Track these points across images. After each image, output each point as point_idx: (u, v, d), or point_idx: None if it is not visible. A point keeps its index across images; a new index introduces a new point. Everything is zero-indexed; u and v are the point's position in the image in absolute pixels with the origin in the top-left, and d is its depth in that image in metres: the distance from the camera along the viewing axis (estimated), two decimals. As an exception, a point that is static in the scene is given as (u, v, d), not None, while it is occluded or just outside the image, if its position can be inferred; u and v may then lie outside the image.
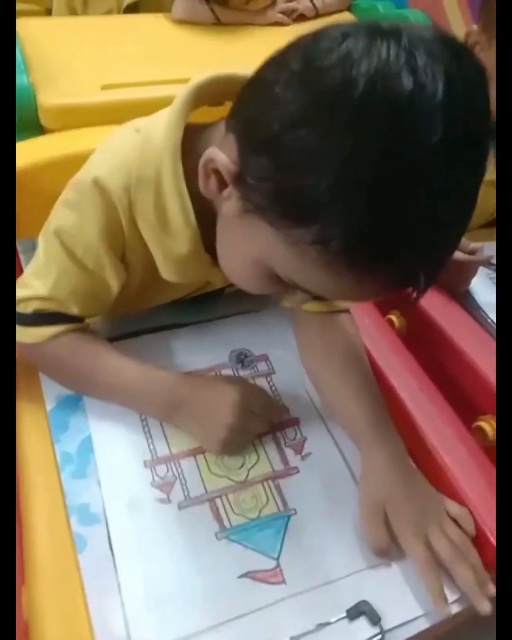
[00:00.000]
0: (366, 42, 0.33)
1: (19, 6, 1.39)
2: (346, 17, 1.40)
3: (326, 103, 0.33)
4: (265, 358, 0.63)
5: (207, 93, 0.49)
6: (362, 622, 0.44)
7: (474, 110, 0.34)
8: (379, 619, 0.44)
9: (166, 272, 0.53)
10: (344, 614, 0.44)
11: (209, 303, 0.66)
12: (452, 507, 0.50)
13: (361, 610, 0.44)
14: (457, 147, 0.33)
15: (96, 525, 0.48)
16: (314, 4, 1.29)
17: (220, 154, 0.40)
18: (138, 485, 0.51)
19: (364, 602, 0.45)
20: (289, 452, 0.55)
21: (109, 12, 1.26)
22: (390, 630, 0.44)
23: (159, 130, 0.47)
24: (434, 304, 0.72)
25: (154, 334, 0.63)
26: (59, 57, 1.00)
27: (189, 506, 0.50)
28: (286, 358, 0.63)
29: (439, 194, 0.34)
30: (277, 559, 0.47)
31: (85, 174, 0.50)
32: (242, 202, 0.39)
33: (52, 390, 0.57)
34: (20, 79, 0.91)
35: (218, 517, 0.49)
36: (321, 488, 0.52)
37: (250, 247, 0.42)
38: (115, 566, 0.45)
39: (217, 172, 0.41)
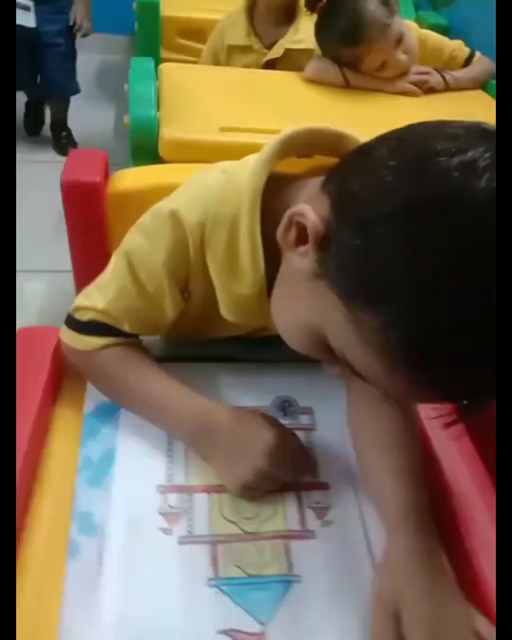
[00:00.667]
0: (485, 151, 0.32)
1: (175, 56, 1.54)
2: (480, 95, 1.40)
3: (440, 205, 0.32)
4: (309, 411, 0.60)
5: (298, 144, 0.50)
6: None
7: None
8: None
9: (226, 310, 0.53)
10: None
11: (267, 344, 0.65)
12: (482, 623, 0.43)
13: None
14: None
15: (93, 536, 0.47)
16: (445, 79, 1.32)
17: (313, 212, 0.39)
18: (145, 508, 0.49)
19: None
20: (309, 515, 0.51)
21: (247, 66, 1.35)
22: None
23: (244, 172, 0.49)
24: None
25: (202, 363, 0.63)
26: (189, 99, 1.08)
27: (189, 544, 0.47)
28: (331, 417, 0.59)
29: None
30: (265, 625, 0.43)
31: (165, 204, 0.52)
32: (317, 266, 0.39)
33: (94, 394, 0.58)
34: (149, 112, 1.00)
35: (215, 564, 0.46)
36: (334, 561, 0.48)
37: (310, 311, 0.41)
38: (99, 583, 0.43)
39: (301, 227, 0.40)
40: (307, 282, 0.40)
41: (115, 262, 0.54)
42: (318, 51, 1.29)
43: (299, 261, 0.41)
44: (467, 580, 0.47)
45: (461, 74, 1.38)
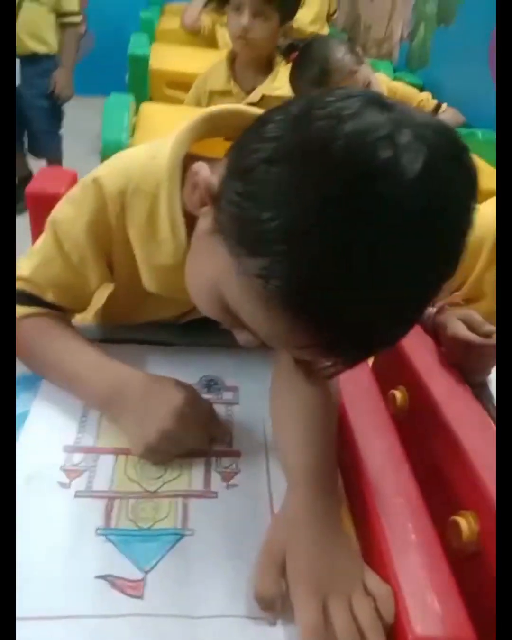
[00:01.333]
0: (360, 106, 0.34)
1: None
2: None
3: (305, 150, 0.34)
4: (234, 389, 0.60)
5: (220, 125, 0.52)
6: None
7: (445, 206, 0.34)
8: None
9: (148, 281, 0.54)
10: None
11: (200, 330, 0.66)
12: (373, 580, 0.42)
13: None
14: (419, 226, 0.33)
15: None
16: None
17: (207, 170, 0.42)
18: (46, 466, 0.48)
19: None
20: (215, 477, 0.50)
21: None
22: None
23: (167, 147, 0.51)
24: (443, 386, 0.66)
25: (134, 344, 0.64)
26: (163, 130, 1.15)
27: (85, 497, 0.46)
28: (254, 395, 0.60)
29: (387, 269, 0.33)
30: (147, 572, 0.41)
31: (91, 173, 0.54)
32: (213, 223, 0.41)
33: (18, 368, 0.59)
34: (119, 136, 1.07)
35: (108, 516, 0.45)
36: (232, 520, 0.46)
37: (209, 268, 0.43)
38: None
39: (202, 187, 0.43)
40: (208, 240, 0.42)
41: (44, 232, 0.57)
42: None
43: (202, 222, 0.43)
44: (366, 542, 0.45)
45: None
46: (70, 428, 0.53)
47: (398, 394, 0.69)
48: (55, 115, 2.10)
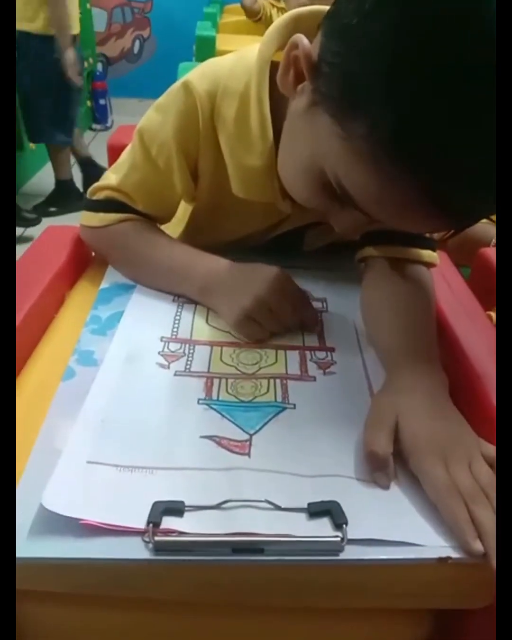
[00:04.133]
0: None
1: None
2: None
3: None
4: (323, 300, 0.59)
5: (305, 26, 0.50)
6: (323, 522, 0.35)
7: None
8: (345, 524, 0.34)
9: (236, 184, 0.54)
10: (305, 506, 0.36)
11: (288, 255, 0.66)
12: (489, 448, 0.39)
13: (326, 509, 0.35)
14: None
15: (91, 367, 0.47)
16: None
17: (306, 40, 0.41)
18: (146, 349, 0.49)
19: (335, 503, 0.36)
20: (311, 366, 0.49)
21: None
22: (354, 541, 0.34)
23: (255, 50, 0.51)
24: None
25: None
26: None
27: (184, 376, 0.46)
28: (343, 305, 0.58)
29: (490, 103, 0.31)
30: (252, 435, 0.41)
31: (180, 80, 0.53)
32: (312, 95, 0.40)
33: (112, 276, 0.60)
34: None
35: (209, 390, 0.45)
36: (332, 399, 0.45)
37: (307, 145, 0.42)
38: (87, 396, 0.43)
39: (297, 63, 0.42)
40: (306, 116, 0.42)
41: (131, 143, 0.57)
42: None
43: (298, 101, 0.43)
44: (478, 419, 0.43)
45: None
46: (166, 324, 0.53)
47: (494, 316, 0.66)
48: (60, 105, 2.02)
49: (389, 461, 0.38)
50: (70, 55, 1.87)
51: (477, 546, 0.33)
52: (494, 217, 0.88)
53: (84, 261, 0.64)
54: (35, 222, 2.09)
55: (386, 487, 0.38)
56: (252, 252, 0.65)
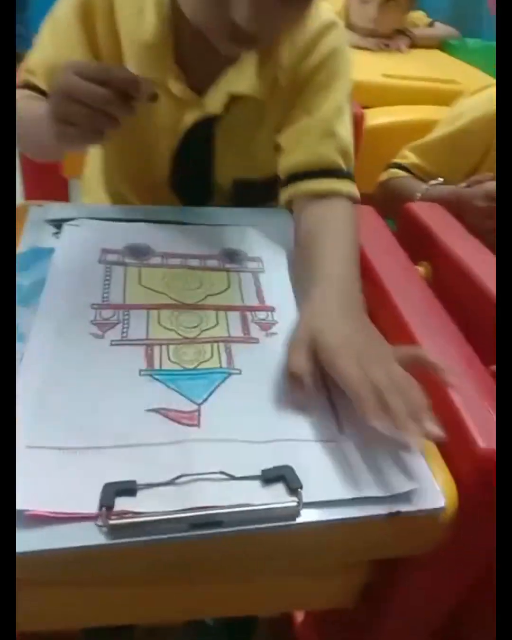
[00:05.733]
0: None
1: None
2: (438, 54, 1.54)
3: None
4: (258, 260, 0.58)
5: None
6: (278, 488, 0.35)
7: None
8: (300, 487, 0.35)
9: (130, 61, 0.55)
10: (259, 473, 0.35)
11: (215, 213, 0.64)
12: (405, 350, 0.41)
13: (280, 474, 0.35)
14: None
15: (18, 343, 0.43)
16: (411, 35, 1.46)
17: None
18: (76, 319, 0.46)
19: (287, 467, 0.36)
20: (253, 328, 0.48)
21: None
22: (310, 504, 0.34)
23: None
24: (469, 253, 0.65)
25: (150, 223, 0.60)
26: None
27: (122, 345, 0.44)
28: (278, 261, 0.57)
29: None
30: (200, 404, 0.40)
31: None
32: None
33: (28, 238, 0.55)
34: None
35: (149, 360, 0.43)
36: (277, 362, 0.44)
37: None
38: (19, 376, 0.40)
39: None
40: None
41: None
42: None
43: None
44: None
45: (426, 32, 1.58)
46: (95, 289, 0.49)
47: (421, 269, 0.68)
48: None
49: (305, 377, 0.39)
50: None
51: (375, 423, 0.35)
52: (418, 171, 0.91)
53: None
54: None
55: (305, 407, 0.40)
56: (180, 212, 0.63)
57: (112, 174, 0.71)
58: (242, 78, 0.57)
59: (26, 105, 0.55)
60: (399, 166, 0.91)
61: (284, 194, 0.60)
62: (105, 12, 0.55)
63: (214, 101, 0.58)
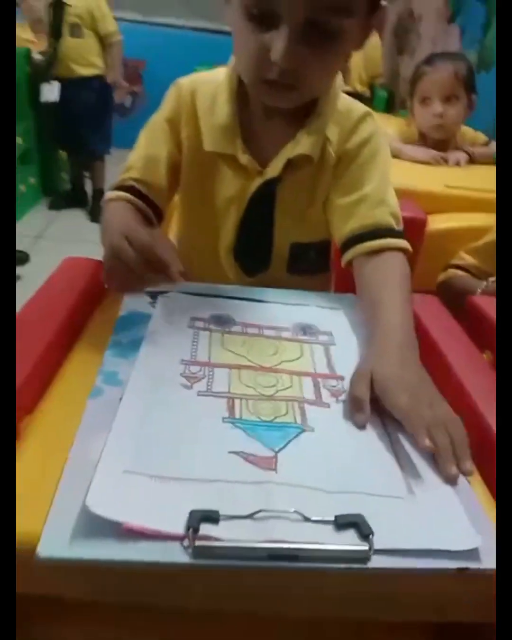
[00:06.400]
0: None
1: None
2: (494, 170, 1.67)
3: None
4: (328, 334, 0.63)
5: None
6: (350, 534, 0.37)
7: None
8: (371, 534, 0.36)
9: (207, 140, 0.69)
10: (332, 519, 0.37)
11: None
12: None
13: (352, 521, 0.37)
14: None
15: (117, 386, 0.48)
16: (471, 153, 1.58)
17: None
18: (168, 371, 0.51)
19: (359, 516, 0.38)
20: (324, 393, 0.52)
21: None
22: (380, 551, 0.36)
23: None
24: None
25: (236, 299, 0.67)
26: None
27: (207, 396, 0.48)
28: (346, 335, 0.62)
29: None
30: (277, 452, 0.43)
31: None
32: None
33: (129, 304, 0.62)
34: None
35: (231, 410, 0.47)
36: (347, 425, 0.47)
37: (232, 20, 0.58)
38: (116, 415, 0.45)
39: None
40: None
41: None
42: None
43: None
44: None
45: (483, 150, 1.68)
46: (184, 348, 0.55)
47: (485, 357, 0.70)
48: (103, 122, 2.64)
49: (365, 403, 0.48)
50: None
51: (426, 443, 0.43)
52: (475, 271, 0.96)
53: (100, 293, 0.66)
54: (23, 261, 2.10)
55: (362, 425, 0.47)
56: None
57: (182, 244, 0.82)
58: (298, 147, 0.68)
59: (109, 217, 0.63)
60: (457, 267, 0.97)
61: (346, 257, 0.69)
62: (189, 109, 0.69)
63: (275, 167, 0.69)
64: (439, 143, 1.55)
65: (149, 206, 0.69)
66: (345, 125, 0.69)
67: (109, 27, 2.48)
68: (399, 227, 0.69)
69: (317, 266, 0.81)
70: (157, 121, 0.71)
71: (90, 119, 2.57)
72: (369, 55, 2.73)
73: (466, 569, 0.36)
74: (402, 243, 0.67)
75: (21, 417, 0.46)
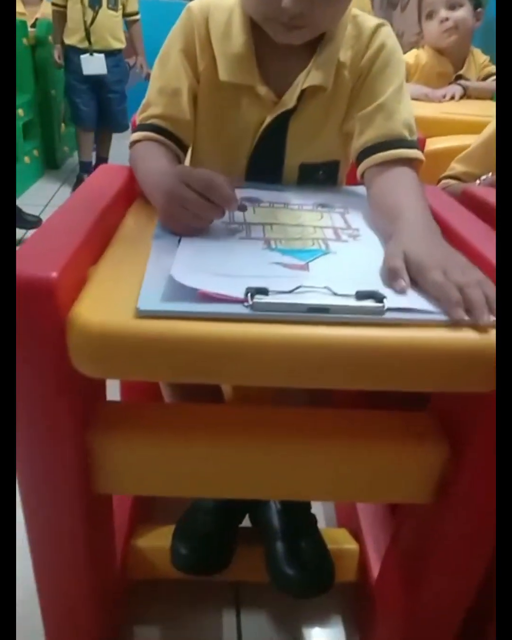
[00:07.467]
0: None
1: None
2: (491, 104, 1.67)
3: None
4: (343, 208, 0.72)
5: None
6: (368, 302, 0.48)
7: None
8: (384, 297, 0.47)
9: (222, 70, 0.70)
10: (354, 293, 0.48)
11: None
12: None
13: (370, 294, 0.48)
14: None
15: (174, 237, 0.59)
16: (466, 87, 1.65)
17: None
18: (215, 225, 0.62)
19: (375, 291, 0.49)
20: (343, 235, 0.63)
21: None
22: (393, 309, 0.47)
23: None
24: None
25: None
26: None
27: (248, 240, 0.60)
28: (360, 210, 0.72)
29: None
30: (308, 262, 0.54)
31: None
32: None
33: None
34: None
35: (267, 244, 0.59)
36: (364, 249, 0.59)
37: None
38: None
39: None
40: None
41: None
42: None
43: None
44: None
45: (481, 85, 1.71)
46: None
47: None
48: (125, 97, 2.75)
49: (404, 271, 0.50)
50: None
51: (460, 315, 0.46)
52: (467, 177, 1.06)
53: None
54: (36, 224, 2.20)
55: (403, 291, 0.50)
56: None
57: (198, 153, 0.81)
58: (312, 77, 0.70)
59: (141, 159, 0.69)
60: (449, 177, 1.07)
61: (360, 168, 0.72)
62: (203, 37, 0.70)
63: (290, 98, 0.71)
64: (454, 56, 1.62)
65: (173, 142, 0.72)
66: (359, 45, 0.71)
67: (134, 5, 2.62)
68: (413, 136, 0.70)
69: (326, 186, 0.81)
70: (171, 53, 0.71)
71: (123, 93, 2.71)
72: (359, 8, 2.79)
73: (461, 319, 0.46)
74: (413, 153, 0.69)
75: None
